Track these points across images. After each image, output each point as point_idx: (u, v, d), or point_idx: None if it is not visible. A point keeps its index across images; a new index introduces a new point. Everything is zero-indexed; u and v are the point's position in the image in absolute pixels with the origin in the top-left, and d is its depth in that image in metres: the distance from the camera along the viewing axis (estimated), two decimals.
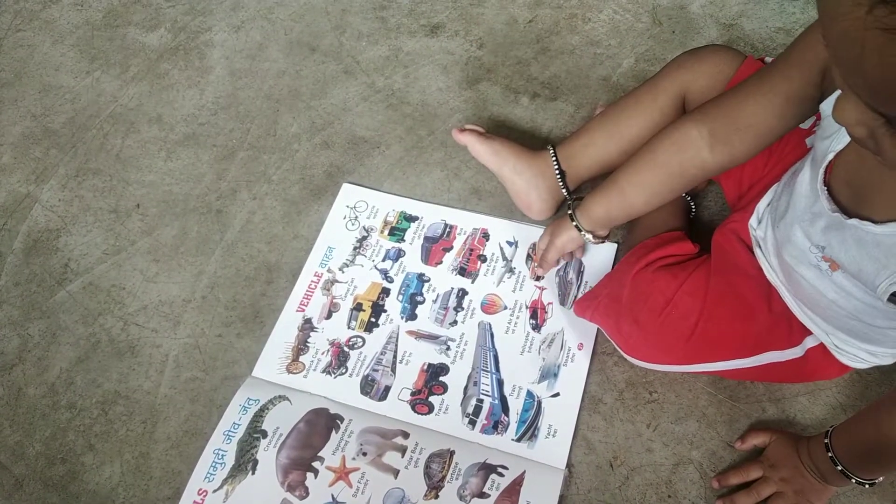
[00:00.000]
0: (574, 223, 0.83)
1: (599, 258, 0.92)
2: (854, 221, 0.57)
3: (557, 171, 0.90)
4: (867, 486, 0.68)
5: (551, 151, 0.90)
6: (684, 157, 0.72)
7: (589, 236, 0.84)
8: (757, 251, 0.75)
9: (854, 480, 0.68)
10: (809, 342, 0.73)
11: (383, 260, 0.96)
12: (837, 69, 0.42)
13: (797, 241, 0.64)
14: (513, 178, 0.92)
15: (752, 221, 0.75)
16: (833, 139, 0.60)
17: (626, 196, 0.77)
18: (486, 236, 0.96)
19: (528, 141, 1.05)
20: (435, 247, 0.96)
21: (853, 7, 0.36)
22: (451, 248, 0.96)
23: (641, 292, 0.77)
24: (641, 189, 0.76)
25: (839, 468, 0.67)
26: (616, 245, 0.93)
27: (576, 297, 0.90)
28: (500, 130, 1.06)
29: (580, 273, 0.92)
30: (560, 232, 0.85)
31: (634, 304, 0.77)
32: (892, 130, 0.44)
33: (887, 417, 0.62)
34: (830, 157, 0.61)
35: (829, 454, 0.68)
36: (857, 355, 0.70)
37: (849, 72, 0.41)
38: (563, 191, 0.91)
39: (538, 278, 0.92)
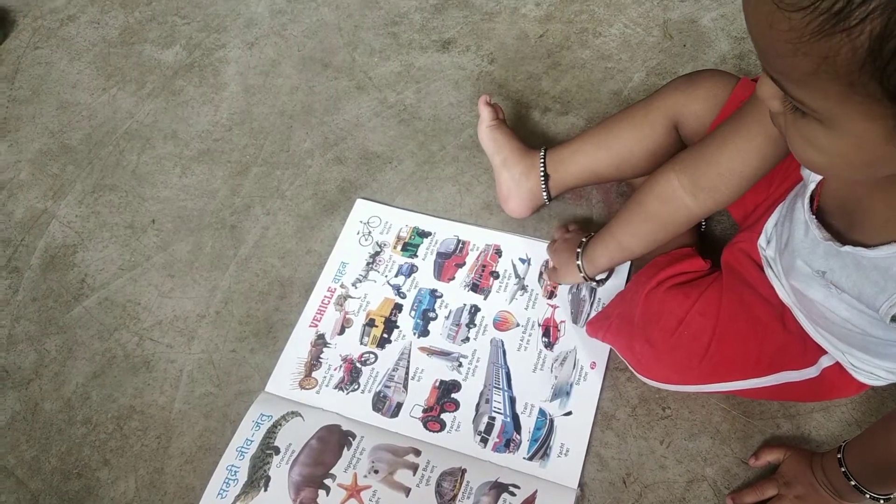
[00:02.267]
0: (582, 274, 0.86)
1: (613, 276, 0.92)
2: (847, 248, 0.57)
3: (542, 174, 0.92)
4: (881, 501, 0.68)
5: (542, 153, 0.93)
6: (671, 209, 0.74)
7: (594, 284, 0.90)
8: (768, 271, 0.75)
9: (868, 496, 0.67)
10: (825, 362, 0.72)
11: (396, 275, 0.96)
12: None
13: (799, 268, 0.65)
14: (501, 169, 0.95)
15: (762, 241, 0.75)
16: None
17: (625, 247, 0.81)
18: (498, 252, 0.97)
19: None
20: (447, 262, 0.97)
21: None
22: (464, 263, 0.96)
23: (653, 312, 0.77)
24: (637, 239, 0.79)
25: (852, 483, 0.67)
26: (629, 262, 0.93)
27: (588, 315, 0.90)
28: None
29: (593, 291, 0.92)
30: (566, 277, 0.89)
31: (647, 324, 0.77)
32: (790, 106, 0.46)
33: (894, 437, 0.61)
34: (812, 186, 0.62)
35: (843, 469, 0.68)
36: (874, 373, 0.70)
37: (752, 37, 0.44)
38: (544, 195, 0.94)
39: (551, 295, 0.92)
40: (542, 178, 0.92)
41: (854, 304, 0.60)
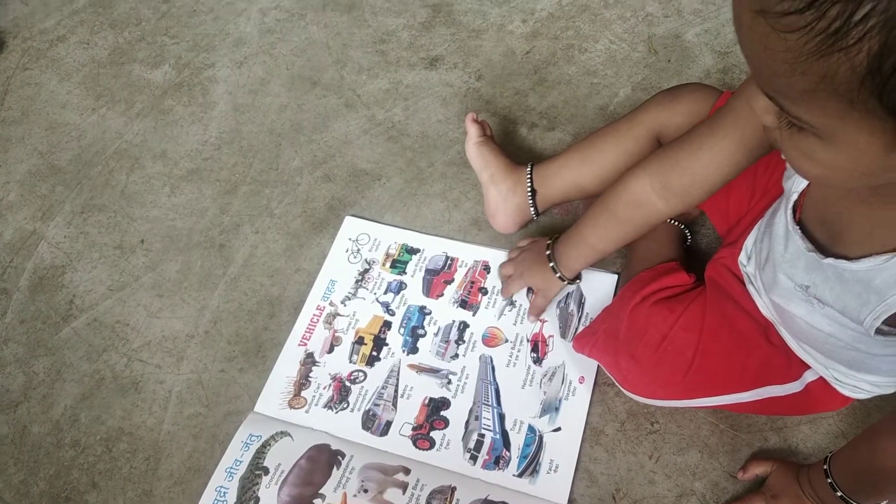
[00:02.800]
0: (565, 282, 0.87)
1: (600, 290, 0.93)
2: (830, 261, 0.58)
3: (529, 190, 0.93)
4: None
5: (528, 169, 0.93)
6: (643, 212, 0.77)
7: (577, 283, 0.91)
8: (749, 287, 0.75)
9: None
10: (809, 376, 0.73)
11: (385, 293, 0.96)
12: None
13: (782, 283, 0.65)
14: (489, 185, 0.95)
15: (742, 258, 0.76)
16: (796, 179, 0.61)
17: (598, 249, 0.83)
18: (486, 269, 0.97)
19: None
20: (436, 279, 0.97)
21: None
22: (453, 280, 0.97)
23: (638, 328, 0.78)
24: (610, 242, 0.82)
25: (839, 494, 0.67)
26: (616, 276, 0.93)
27: (577, 329, 0.90)
28: None
29: (581, 305, 0.92)
30: (550, 291, 0.89)
31: (631, 339, 0.78)
32: (787, 120, 0.46)
33: (881, 445, 0.62)
34: (795, 196, 0.62)
35: (829, 480, 0.68)
36: (859, 386, 0.70)
37: (747, 61, 0.44)
38: (531, 210, 0.95)
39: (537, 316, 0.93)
40: (530, 194, 0.93)
41: (837, 318, 0.61)
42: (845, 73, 0.37)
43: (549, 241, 0.88)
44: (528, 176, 0.93)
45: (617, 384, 0.82)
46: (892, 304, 0.54)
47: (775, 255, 0.65)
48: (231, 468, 0.83)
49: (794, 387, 0.74)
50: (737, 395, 0.76)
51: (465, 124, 0.96)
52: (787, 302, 0.66)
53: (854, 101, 0.39)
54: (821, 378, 0.72)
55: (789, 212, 0.63)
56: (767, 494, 0.76)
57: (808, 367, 0.73)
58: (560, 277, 0.86)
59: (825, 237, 0.60)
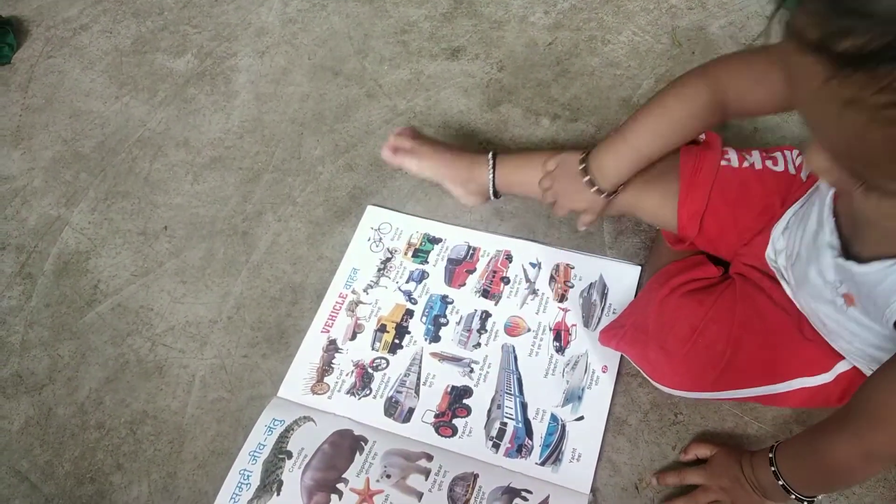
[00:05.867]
0: (595, 187, 0.80)
1: (624, 281, 0.92)
2: (840, 261, 0.57)
3: (492, 185, 0.92)
4: (806, 502, 0.68)
5: (490, 166, 0.92)
6: (701, 122, 0.74)
7: (605, 196, 0.82)
8: (781, 281, 0.75)
9: (794, 496, 0.67)
10: (841, 367, 0.72)
11: (407, 281, 0.97)
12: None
13: (812, 279, 0.65)
14: (451, 187, 0.95)
15: (769, 253, 0.75)
16: None
17: (644, 154, 0.77)
18: (509, 258, 0.97)
19: None
20: (458, 269, 0.97)
21: (809, 79, 0.37)
22: (475, 269, 0.97)
23: (667, 320, 0.78)
24: (659, 148, 0.77)
25: (781, 483, 0.67)
26: (640, 268, 0.93)
27: (600, 319, 0.90)
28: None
29: (604, 295, 0.92)
30: (595, 207, 0.83)
31: (660, 331, 0.77)
32: (858, 182, 0.44)
33: (826, 443, 0.61)
34: (833, 191, 0.61)
35: (773, 469, 0.68)
36: None
37: (813, 130, 0.42)
38: (492, 194, 0.94)
39: (562, 298, 0.92)
40: (492, 185, 0.92)
41: (861, 319, 0.60)
42: None
43: (581, 156, 0.81)
44: (491, 172, 0.91)
45: (644, 375, 0.82)
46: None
47: (806, 247, 0.65)
48: (254, 452, 0.83)
49: (824, 378, 0.73)
50: (767, 388, 0.76)
51: (389, 162, 0.96)
52: (813, 300, 0.65)
53: None
54: (853, 368, 0.72)
55: (828, 202, 0.62)
56: (706, 472, 0.76)
57: (840, 357, 0.72)
58: (598, 191, 0.80)
59: (849, 230, 0.60)
